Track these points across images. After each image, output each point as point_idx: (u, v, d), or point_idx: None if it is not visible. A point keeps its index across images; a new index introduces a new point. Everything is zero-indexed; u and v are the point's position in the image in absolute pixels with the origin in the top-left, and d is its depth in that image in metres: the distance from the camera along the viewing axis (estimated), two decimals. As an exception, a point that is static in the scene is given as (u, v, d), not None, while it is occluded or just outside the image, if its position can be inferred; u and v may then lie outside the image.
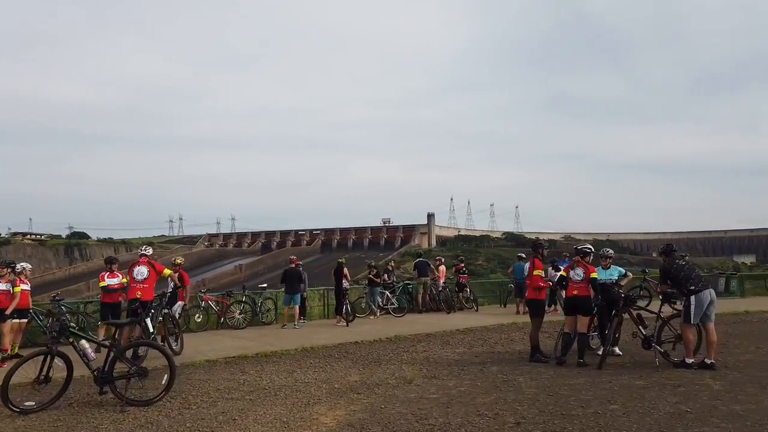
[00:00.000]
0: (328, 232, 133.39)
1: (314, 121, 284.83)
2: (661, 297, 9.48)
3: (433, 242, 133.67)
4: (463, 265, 19.11)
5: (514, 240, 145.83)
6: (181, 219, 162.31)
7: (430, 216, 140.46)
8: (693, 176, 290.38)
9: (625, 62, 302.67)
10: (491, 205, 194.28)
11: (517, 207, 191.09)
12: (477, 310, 18.19)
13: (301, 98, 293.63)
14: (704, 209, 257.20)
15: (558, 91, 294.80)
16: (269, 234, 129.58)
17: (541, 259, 10.18)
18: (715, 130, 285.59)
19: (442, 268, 18.76)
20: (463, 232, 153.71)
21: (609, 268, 10.30)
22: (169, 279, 11.36)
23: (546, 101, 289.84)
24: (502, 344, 11.72)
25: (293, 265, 15.67)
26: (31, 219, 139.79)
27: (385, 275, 18.27)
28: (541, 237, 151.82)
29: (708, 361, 8.57)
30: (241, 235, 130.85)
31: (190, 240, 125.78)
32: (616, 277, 10.17)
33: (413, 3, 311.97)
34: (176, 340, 10.67)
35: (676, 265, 8.95)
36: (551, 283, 10.41)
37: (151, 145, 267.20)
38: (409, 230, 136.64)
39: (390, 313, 17.16)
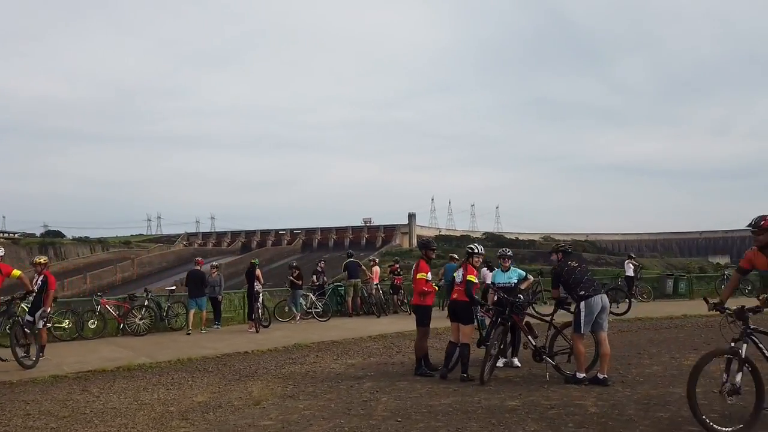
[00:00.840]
0: (309, 232, 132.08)
1: (295, 120, 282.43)
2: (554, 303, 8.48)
3: (414, 242, 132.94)
4: (398, 266, 18.07)
5: (494, 240, 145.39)
6: (159, 218, 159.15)
7: (411, 216, 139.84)
8: (669, 178, 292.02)
9: (603, 66, 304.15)
10: (472, 206, 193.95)
11: (497, 207, 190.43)
12: (410, 314, 17.13)
13: (282, 97, 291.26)
14: (680, 211, 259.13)
15: (538, 94, 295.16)
16: (249, 233, 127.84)
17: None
18: (690, 133, 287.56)
19: (376, 269, 17.72)
20: (443, 232, 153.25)
21: (508, 270, 9.32)
22: (35, 281, 10.12)
23: (526, 103, 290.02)
24: (404, 353, 10.70)
25: (198, 267, 14.61)
26: (4, 217, 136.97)
27: (314, 276, 17.20)
28: (520, 237, 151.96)
29: (600, 376, 7.60)
30: (220, 235, 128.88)
31: (169, 239, 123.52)
32: (515, 280, 9.19)
33: (396, 3, 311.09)
34: (26, 352, 9.43)
35: (568, 268, 7.96)
36: (437, 288, 9.28)
37: (130, 142, 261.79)
38: (390, 230, 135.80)
39: (314, 317, 16.08)
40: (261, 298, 14.45)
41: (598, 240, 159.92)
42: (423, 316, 8.60)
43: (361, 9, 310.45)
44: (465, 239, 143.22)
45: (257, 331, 13.76)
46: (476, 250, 8.65)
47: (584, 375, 7.68)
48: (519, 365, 8.86)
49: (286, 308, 16.15)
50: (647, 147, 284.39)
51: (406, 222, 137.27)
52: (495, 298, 9.11)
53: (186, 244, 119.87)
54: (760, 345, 5.72)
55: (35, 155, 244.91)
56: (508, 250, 9.50)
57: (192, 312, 14.17)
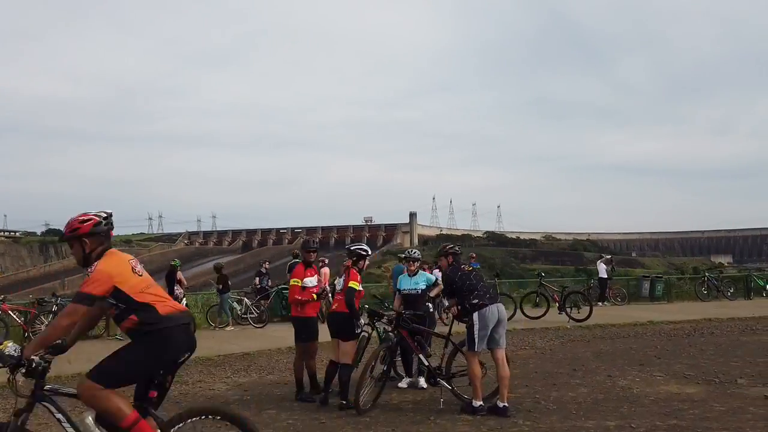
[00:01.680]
0: (310, 231, 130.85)
1: (297, 119, 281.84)
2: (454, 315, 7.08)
3: (415, 241, 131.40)
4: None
5: (495, 239, 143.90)
6: (160, 217, 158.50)
7: (413, 215, 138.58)
8: (671, 177, 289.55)
9: (604, 65, 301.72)
10: (473, 205, 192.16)
11: (498, 207, 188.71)
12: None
13: (283, 97, 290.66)
14: (682, 210, 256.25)
15: (539, 93, 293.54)
16: (250, 232, 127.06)
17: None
18: (692, 133, 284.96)
19: (325, 270, 16.32)
20: (445, 232, 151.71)
21: (415, 274, 7.97)
22: None
23: (527, 103, 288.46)
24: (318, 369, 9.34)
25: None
26: (6, 216, 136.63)
27: (257, 279, 15.88)
28: (522, 236, 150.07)
29: (500, 405, 6.22)
30: (221, 233, 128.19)
31: (170, 238, 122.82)
32: (423, 286, 7.85)
33: (398, 3, 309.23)
34: None
35: (462, 272, 6.60)
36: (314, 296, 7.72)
37: (131, 141, 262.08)
38: (392, 229, 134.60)
39: (250, 324, 14.73)
40: (183, 303, 13.20)
41: (599, 239, 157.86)
42: (301, 330, 7.22)
43: (363, 9, 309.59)
44: (466, 238, 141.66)
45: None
46: (367, 253, 7.28)
47: (481, 403, 6.31)
48: (425, 386, 7.48)
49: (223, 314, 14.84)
50: (649, 146, 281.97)
51: (407, 221, 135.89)
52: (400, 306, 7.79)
53: (187, 243, 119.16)
54: None
55: (37, 154, 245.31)
56: (414, 251, 8.11)
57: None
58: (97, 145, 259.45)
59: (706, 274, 20.81)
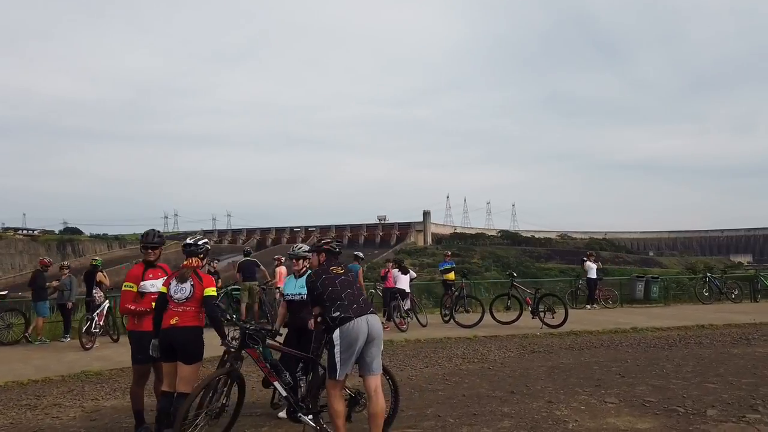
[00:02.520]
0: (324, 230, 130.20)
1: (312, 118, 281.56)
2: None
3: (429, 240, 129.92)
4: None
5: (510, 238, 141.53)
6: (176, 215, 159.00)
7: (426, 214, 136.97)
8: (690, 175, 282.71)
9: (623, 62, 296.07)
10: (488, 203, 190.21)
11: (513, 205, 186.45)
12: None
13: (298, 95, 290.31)
14: (702, 209, 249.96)
15: (556, 91, 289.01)
16: (264, 231, 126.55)
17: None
18: (713, 130, 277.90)
19: (281, 269, 14.83)
20: (459, 230, 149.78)
21: (304, 275, 6.39)
22: None
23: (544, 100, 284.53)
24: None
25: (40, 267, 12.12)
26: (24, 214, 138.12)
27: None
28: (537, 235, 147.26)
29: (373, 450, 4.64)
30: (236, 232, 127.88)
31: (185, 236, 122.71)
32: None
33: (411, 1, 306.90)
34: None
35: (327, 276, 4.99)
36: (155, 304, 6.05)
37: (148, 140, 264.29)
38: (405, 228, 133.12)
39: None
40: (105, 306, 11.83)
41: (616, 238, 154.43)
42: (137, 348, 5.62)
43: (376, 7, 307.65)
44: (480, 237, 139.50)
45: (90, 347, 11.11)
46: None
47: (345, 445, 4.73)
48: (283, 416, 5.81)
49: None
50: (667, 144, 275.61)
51: (421, 220, 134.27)
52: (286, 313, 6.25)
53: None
54: None
55: (56, 153, 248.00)
56: (301, 246, 6.47)
57: (40, 320, 11.98)
58: (114, 144, 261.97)
59: (708, 274, 18.82)
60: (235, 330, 5.41)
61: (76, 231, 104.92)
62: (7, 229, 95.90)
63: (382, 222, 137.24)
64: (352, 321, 4.65)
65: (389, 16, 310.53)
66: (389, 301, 12.82)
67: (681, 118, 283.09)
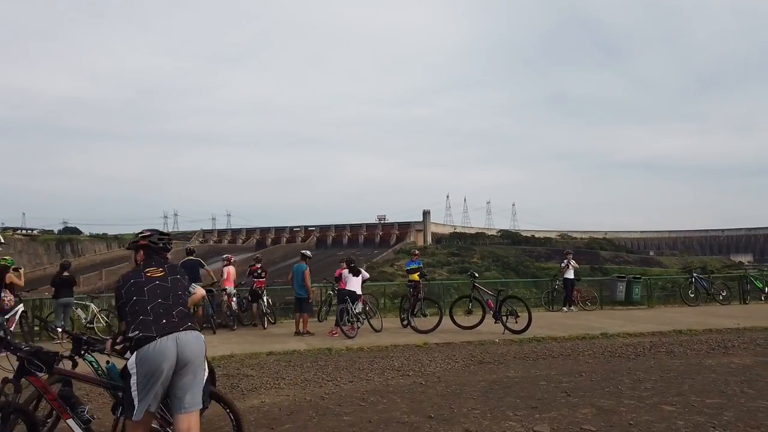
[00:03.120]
0: (324, 229, 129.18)
1: (312, 117, 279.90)
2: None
3: (429, 239, 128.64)
4: (259, 266, 13.95)
5: (510, 238, 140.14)
6: (176, 215, 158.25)
7: (426, 213, 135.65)
8: (691, 175, 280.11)
9: (624, 61, 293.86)
10: (488, 203, 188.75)
11: (513, 205, 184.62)
12: (265, 328, 13.03)
13: (299, 95, 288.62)
14: (702, 208, 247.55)
15: (557, 90, 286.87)
16: (264, 230, 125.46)
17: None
18: (714, 130, 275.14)
19: (229, 269, 13.70)
20: (458, 230, 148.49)
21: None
22: None
23: (545, 99, 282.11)
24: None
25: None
26: (24, 214, 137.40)
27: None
28: (537, 235, 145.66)
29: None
30: (235, 232, 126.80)
31: (185, 236, 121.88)
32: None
33: (412, 1, 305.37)
34: None
35: (136, 282, 3.83)
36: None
37: (148, 140, 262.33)
38: (405, 227, 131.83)
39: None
40: (17, 311, 10.71)
41: (616, 238, 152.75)
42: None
43: (377, 7, 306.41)
44: (480, 236, 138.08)
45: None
46: None
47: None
48: None
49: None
50: (669, 144, 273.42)
51: (421, 219, 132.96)
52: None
53: (201, 241, 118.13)
54: None
55: (56, 153, 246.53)
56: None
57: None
58: (115, 144, 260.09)
59: (694, 274, 17.57)
60: (67, 340, 4.31)
61: (76, 231, 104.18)
62: (6, 228, 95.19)
63: (382, 222, 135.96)
64: (154, 342, 3.49)
65: (390, 16, 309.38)
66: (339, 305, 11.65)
67: (682, 118, 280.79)
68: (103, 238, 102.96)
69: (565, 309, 16.04)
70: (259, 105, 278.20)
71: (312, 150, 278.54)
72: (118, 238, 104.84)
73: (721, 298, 17.21)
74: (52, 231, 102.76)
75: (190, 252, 13.58)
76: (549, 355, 9.25)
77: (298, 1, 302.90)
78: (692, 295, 17.04)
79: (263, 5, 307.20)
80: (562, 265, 16.39)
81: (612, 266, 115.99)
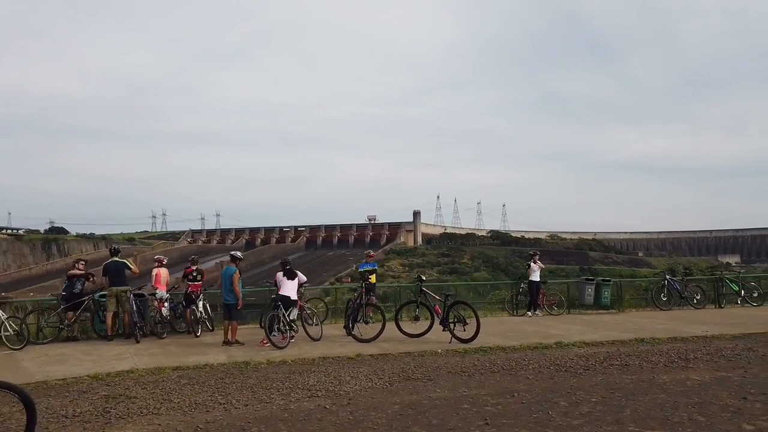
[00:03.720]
0: (313, 230, 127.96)
1: (302, 117, 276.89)
2: None
3: (419, 240, 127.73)
4: (194, 268, 12.81)
5: (500, 238, 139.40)
6: (164, 214, 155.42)
7: (416, 214, 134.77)
8: (681, 176, 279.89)
9: (614, 62, 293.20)
10: (478, 203, 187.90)
11: (504, 205, 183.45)
12: (198, 336, 11.87)
13: (289, 94, 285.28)
14: (691, 209, 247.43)
15: (548, 91, 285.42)
16: (253, 231, 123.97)
17: None
18: (703, 131, 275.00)
19: (159, 272, 12.55)
20: (449, 230, 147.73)
21: None
22: None
23: (536, 100, 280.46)
24: None
25: None
26: (9, 213, 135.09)
27: (67, 282, 12.14)
28: (527, 235, 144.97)
29: None
30: (224, 232, 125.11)
31: (173, 236, 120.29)
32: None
33: (405, 2, 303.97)
34: None
35: None
36: None
37: (138, 139, 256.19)
38: (395, 228, 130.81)
39: (7, 346, 10.51)
40: None
41: (606, 239, 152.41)
42: None
43: (370, 6, 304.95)
44: (470, 237, 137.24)
45: None
46: None
47: None
48: None
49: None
50: (658, 144, 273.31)
51: (411, 220, 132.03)
52: None
53: (190, 241, 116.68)
54: None
55: (44, 152, 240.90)
56: None
57: None
58: (104, 142, 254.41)
59: (667, 277, 16.58)
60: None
61: (62, 231, 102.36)
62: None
63: (372, 222, 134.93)
64: None
65: (383, 16, 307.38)
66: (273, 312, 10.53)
67: (672, 119, 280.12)
68: (90, 238, 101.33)
69: (529, 314, 15.02)
70: (252, 104, 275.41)
71: (303, 150, 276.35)
72: (105, 238, 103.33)
73: (695, 301, 16.24)
74: (38, 231, 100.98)
75: (114, 252, 12.39)
76: (489, 370, 8.20)
77: (290, 0, 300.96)
78: (665, 299, 16.06)
79: (256, 4, 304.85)
80: (528, 266, 15.38)
81: (601, 267, 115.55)
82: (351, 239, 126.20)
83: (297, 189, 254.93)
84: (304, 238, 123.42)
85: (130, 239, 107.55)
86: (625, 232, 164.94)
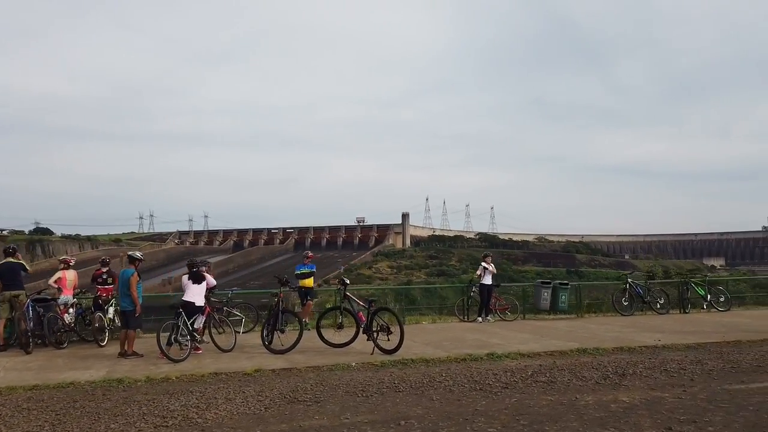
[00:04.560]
0: (302, 231, 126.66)
1: (295, 119, 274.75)
2: None
3: (408, 242, 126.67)
4: (105, 270, 11.57)
5: (488, 240, 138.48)
6: (152, 216, 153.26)
7: (405, 216, 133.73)
8: (668, 180, 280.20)
9: (604, 67, 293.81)
10: (467, 206, 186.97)
11: (492, 208, 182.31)
12: (102, 345, 10.64)
13: (281, 96, 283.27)
14: (677, 212, 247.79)
15: (538, 94, 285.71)
16: (242, 232, 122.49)
17: None
18: (690, 135, 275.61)
19: (63, 274, 11.27)
20: (437, 233, 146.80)
21: None
22: None
23: (526, 104, 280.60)
24: None
25: None
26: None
27: None
28: (514, 238, 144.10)
29: None
30: (212, 233, 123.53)
31: (161, 237, 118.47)
32: None
33: (398, 3, 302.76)
34: None
35: None
36: None
37: (128, 140, 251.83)
38: (384, 230, 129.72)
39: None
40: None
41: (592, 241, 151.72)
42: None
43: (362, 9, 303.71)
44: (458, 239, 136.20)
45: None
46: None
47: None
48: None
49: None
50: (647, 149, 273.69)
51: (400, 222, 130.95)
52: None
53: (177, 242, 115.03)
54: None
55: (31, 152, 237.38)
56: None
57: None
58: (92, 143, 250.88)
59: (629, 280, 15.48)
60: None
61: (47, 231, 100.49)
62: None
63: (361, 224, 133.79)
64: None
65: (375, 18, 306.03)
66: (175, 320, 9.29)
67: (659, 123, 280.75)
68: (75, 239, 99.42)
69: (480, 319, 13.88)
70: (243, 106, 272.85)
71: (295, 151, 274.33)
72: (91, 239, 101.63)
73: (658, 306, 15.16)
74: (23, 231, 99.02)
75: (8, 252, 11.10)
76: (395, 388, 7.03)
77: (283, 2, 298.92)
78: (626, 303, 14.97)
79: (248, 5, 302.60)
80: (479, 270, 14.22)
81: (588, 269, 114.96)
82: (340, 241, 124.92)
83: (288, 191, 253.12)
84: (293, 240, 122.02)
85: (116, 240, 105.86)
86: (612, 235, 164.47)
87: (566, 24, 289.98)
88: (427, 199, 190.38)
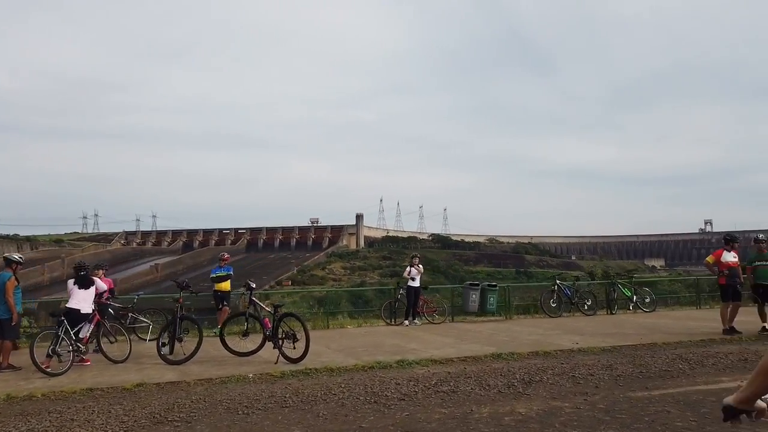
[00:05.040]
0: (254, 232, 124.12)
1: (249, 118, 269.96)
2: None
3: (362, 243, 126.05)
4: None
5: (441, 242, 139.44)
6: (96, 215, 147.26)
7: (359, 216, 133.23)
8: (611, 184, 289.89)
9: (554, 74, 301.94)
10: (420, 207, 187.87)
11: (445, 209, 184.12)
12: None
13: (233, 95, 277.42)
14: (621, 215, 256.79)
15: (491, 99, 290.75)
16: (191, 233, 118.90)
17: None
18: (632, 142, 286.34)
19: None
20: (391, 233, 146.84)
21: None
22: None
23: (481, 108, 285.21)
24: None
25: None
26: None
27: None
28: (466, 239, 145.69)
29: None
30: (160, 233, 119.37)
31: (106, 238, 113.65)
32: None
33: (355, 3, 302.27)
34: None
35: None
36: None
37: (72, 137, 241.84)
38: (338, 230, 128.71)
39: None
40: None
41: (541, 243, 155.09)
42: None
43: (318, 8, 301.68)
44: (412, 240, 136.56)
45: None
46: None
47: None
48: None
49: None
50: (594, 153, 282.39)
51: (354, 222, 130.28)
52: None
53: (124, 243, 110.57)
54: None
55: None
56: None
57: None
58: (33, 140, 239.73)
59: (557, 281, 15.36)
60: None
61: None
62: None
63: (315, 225, 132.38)
64: None
65: (331, 19, 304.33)
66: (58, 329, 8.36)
67: (606, 129, 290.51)
68: (14, 239, 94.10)
69: (406, 322, 13.41)
70: (194, 104, 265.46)
71: (248, 151, 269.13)
72: (30, 240, 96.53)
73: (585, 307, 15.09)
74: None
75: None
76: (281, 404, 6.40)
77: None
78: (554, 305, 14.83)
79: (200, 2, 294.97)
80: (406, 272, 13.76)
81: (536, 270, 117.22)
82: (293, 242, 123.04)
83: (241, 191, 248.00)
84: (245, 241, 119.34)
85: (57, 240, 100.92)
86: (559, 236, 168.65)
87: (518, 31, 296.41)
88: (381, 200, 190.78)
